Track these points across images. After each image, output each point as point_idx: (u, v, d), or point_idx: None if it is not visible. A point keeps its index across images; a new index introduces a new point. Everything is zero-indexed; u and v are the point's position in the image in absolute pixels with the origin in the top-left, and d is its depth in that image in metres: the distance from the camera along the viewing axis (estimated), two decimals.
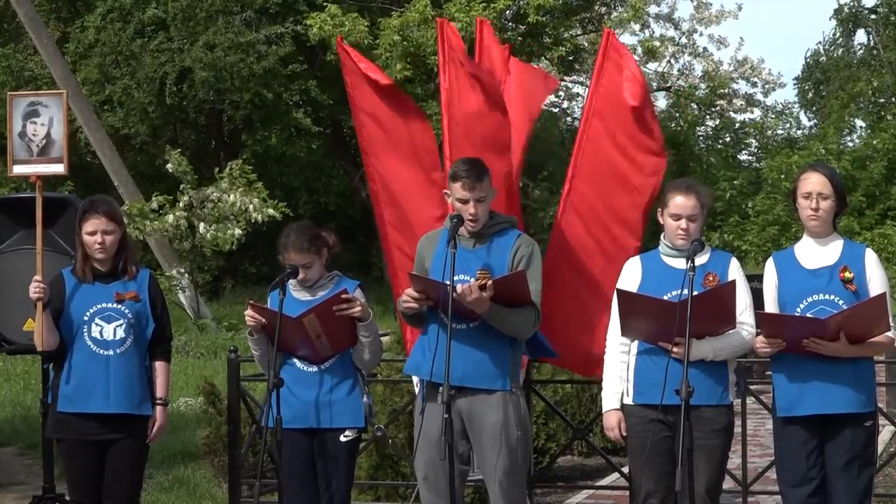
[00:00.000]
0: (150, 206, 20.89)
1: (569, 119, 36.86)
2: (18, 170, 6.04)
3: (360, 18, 25.06)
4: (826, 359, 5.05)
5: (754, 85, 39.17)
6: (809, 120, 44.41)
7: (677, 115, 37.21)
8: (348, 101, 6.62)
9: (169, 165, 21.16)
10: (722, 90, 37.53)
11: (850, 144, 35.35)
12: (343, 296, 5.47)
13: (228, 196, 20.64)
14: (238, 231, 20.57)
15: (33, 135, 6.00)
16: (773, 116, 40.05)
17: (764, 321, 5.13)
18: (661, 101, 38.35)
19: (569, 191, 6.43)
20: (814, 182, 5.23)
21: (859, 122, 38.71)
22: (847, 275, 5.14)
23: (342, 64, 6.55)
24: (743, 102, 39.25)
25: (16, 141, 6.01)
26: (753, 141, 40.35)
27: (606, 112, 6.31)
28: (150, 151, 28.06)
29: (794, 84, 46.99)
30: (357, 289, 5.66)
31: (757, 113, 39.87)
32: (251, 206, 20.56)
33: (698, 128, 38.56)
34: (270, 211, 20.76)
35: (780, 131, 40.48)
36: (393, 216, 6.43)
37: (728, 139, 40.09)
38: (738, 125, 40.05)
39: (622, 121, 6.27)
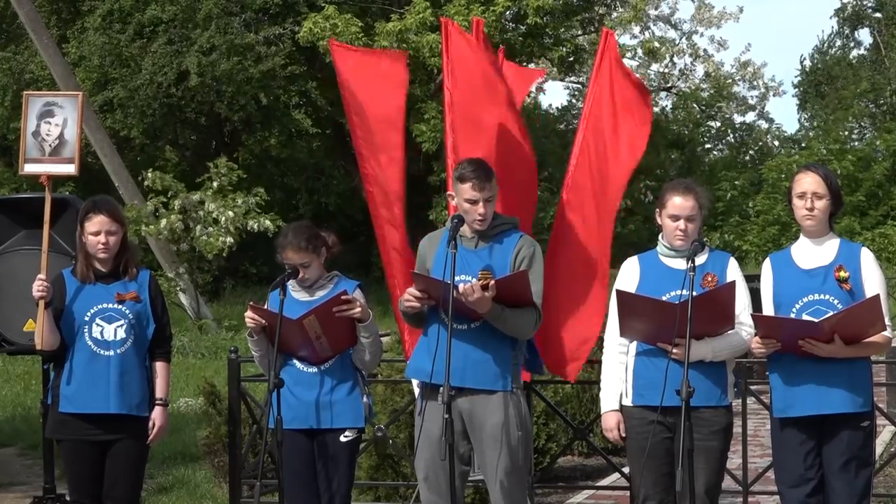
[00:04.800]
0: (147, 209, 20.94)
1: (570, 121, 36.88)
2: (30, 168, 6.07)
3: (355, 20, 25.10)
4: (822, 359, 5.05)
5: (754, 87, 39.28)
6: (807, 121, 44.46)
7: (681, 116, 37.24)
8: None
9: (146, 183, 21.14)
10: (727, 90, 37.63)
11: (853, 145, 35.38)
12: (343, 297, 5.47)
13: (209, 204, 20.65)
14: (230, 239, 20.58)
15: (47, 134, 6.04)
16: (767, 124, 40.24)
17: (759, 323, 5.13)
18: (663, 101, 38.47)
19: (568, 191, 6.43)
20: (808, 182, 5.23)
21: (853, 125, 38.72)
22: (842, 274, 5.14)
23: (335, 65, 6.55)
24: (741, 105, 39.38)
25: (29, 140, 6.05)
26: (751, 141, 40.46)
27: (603, 113, 6.31)
28: (149, 153, 28.08)
29: (794, 87, 47.02)
30: (357, 289, 5.66)
31: (751, 116, 40.05)
32: (223, 219, 20.53)
33: (702, 128, 38.65)
34: (267, 223, 20.77)
35: (775, 142, 40.63)
36: (388, 217, 6.43)
37: (730, 140, 40.18)
38: (738, 126, 40.16)
39: (616, 121, 6.26)
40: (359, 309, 5.48)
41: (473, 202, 5.40)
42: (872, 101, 40.49)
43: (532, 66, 32.84)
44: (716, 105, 38.34)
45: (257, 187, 21.86)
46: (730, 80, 38.62)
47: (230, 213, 20.61)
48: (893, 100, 40.02)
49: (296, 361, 5.59)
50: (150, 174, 21.12)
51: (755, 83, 39.38)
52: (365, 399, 5.63)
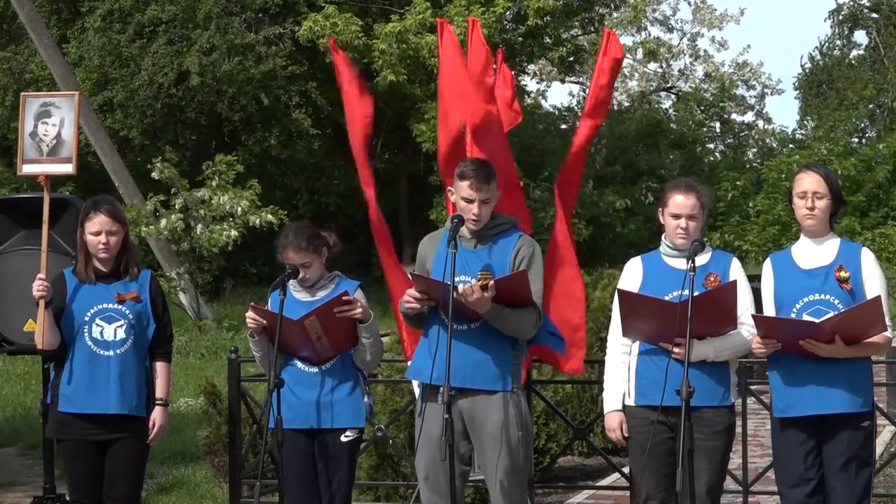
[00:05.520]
0: (146, 208, 20.95)
1: (571, 121, 36.90)
2: (28, 169, 6.08)
3: (355, 19, 25.11)
4: (822, 359, 5.04)
5: (752, 88, 39.33)
6: (808, 121, 44.49)
7: (683, 117, 37.28)
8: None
9: (154, 174, 21.18)
10: (731, 91, 37.71)
11: (854, 145, 35.42)
12: (344, 297, 5.47)
13: (220, 197, 20.70)
14: (234, 232, 20.63)
15: (44, 135, 6.05)
16: (765, 125, 40.28)
17: (759, 323, 5.13)
18: (664, 102, 38.53)
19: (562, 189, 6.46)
20: (809, 181, 5.23)
21: (855, 125, 38.74)
22: (843, 274, 5.13)
23: (335, 65, 6.58)
24: (740, 105, 39.44)
25: (26, 140, 6.06)
26: (752, 142, 40.52)
27: (596, 112, 6.35)
28: (149, 153, 28.08)
29: (794, 88, 47.05)
30: (358, 289, 5.66)
31: (749, 116, 40.11)
32: (239, 209, 20.62)
33: (704, 128, 38.71)
34: (270, 217, 20.81)
35: (774, 143, 40.64)
36: (379, 221, 6.44)
37: (730, 141, 40.24)
38: (737, 127, 40.21)
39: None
40: (360, 310, 5.48)
41: (469, 201, 5.40)
42: (872, 101, 40.49)
43: (532, 66, 32.82)
44: (718, 105, 38.37)
45: (252, 182, 21.90)
46: (730, 81, 38.66)
47: (245, 203, 20.69)
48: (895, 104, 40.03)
49: (297, 361, 5.59)
50: (158, 164, 21.18)
51: (753, 83, 39.43)
52: (366, 399, 5.63)
